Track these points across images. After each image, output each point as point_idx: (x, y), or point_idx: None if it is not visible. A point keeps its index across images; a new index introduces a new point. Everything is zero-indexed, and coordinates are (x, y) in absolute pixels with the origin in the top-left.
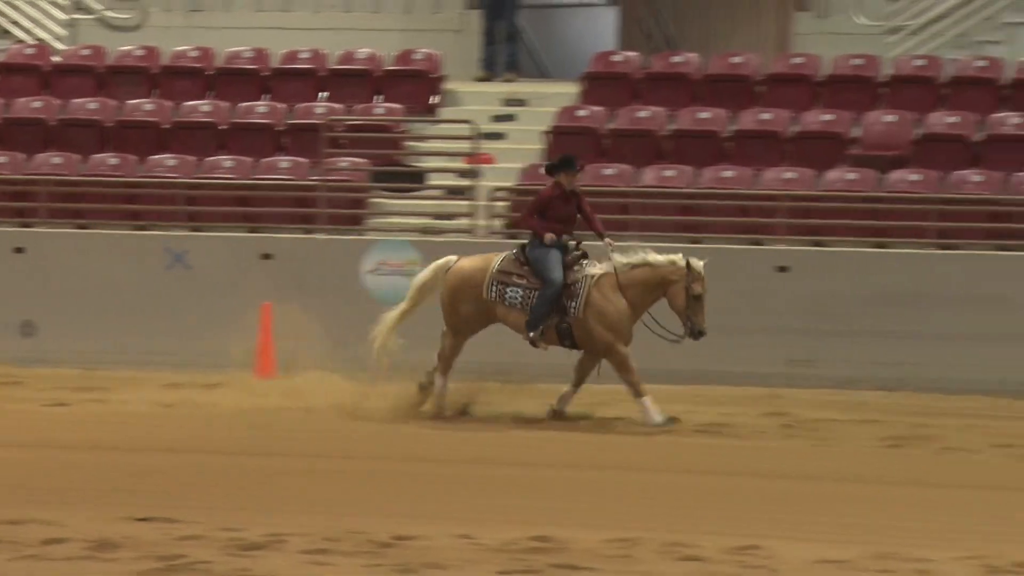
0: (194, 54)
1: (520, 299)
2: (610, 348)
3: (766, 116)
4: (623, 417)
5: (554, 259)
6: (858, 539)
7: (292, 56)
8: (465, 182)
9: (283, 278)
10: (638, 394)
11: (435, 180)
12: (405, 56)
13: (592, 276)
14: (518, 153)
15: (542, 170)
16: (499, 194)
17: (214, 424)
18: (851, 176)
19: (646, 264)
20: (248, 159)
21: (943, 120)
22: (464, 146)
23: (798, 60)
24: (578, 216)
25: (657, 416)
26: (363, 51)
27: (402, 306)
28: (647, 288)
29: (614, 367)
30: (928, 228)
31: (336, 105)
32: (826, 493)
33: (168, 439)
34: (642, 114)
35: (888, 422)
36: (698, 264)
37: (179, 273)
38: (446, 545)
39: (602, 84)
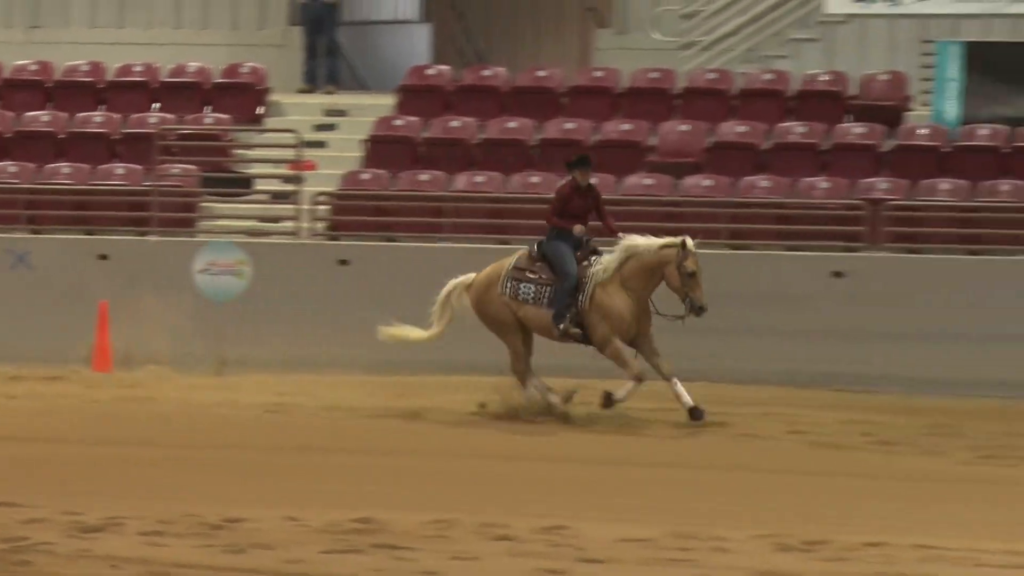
0: (34, 68)
1: (533, 294)
2: (605, 342)
3: (570, 125)
4: (434, 407)
5: (568, 253)
6: (659, 519)
7: (126, 69)
8: (289, 187)
9: (119, 277)
10: (635, 379)
11: (261, 185)
12: (232, 69)
13: (599, 272)
14: (339, 160)
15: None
16: (321, 198)
17: (55, 415)
18: (648, 181)
19: (641, 249)
20: (85, 166)
21: (733, 129)
22: (288, 154)
23: (599, 74)
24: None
25: (622, 395)
26: (193, 65)
27: (433, 331)
28: (645, 273)
29: (611, 359)
30: (720, 230)
31: (168, 115)
32: (629, 477)
33: (11, 429)
34: (454, 124)
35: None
36: (689, 242)
37: (22, 273)
38: (274, 527)
39: (417, 96)
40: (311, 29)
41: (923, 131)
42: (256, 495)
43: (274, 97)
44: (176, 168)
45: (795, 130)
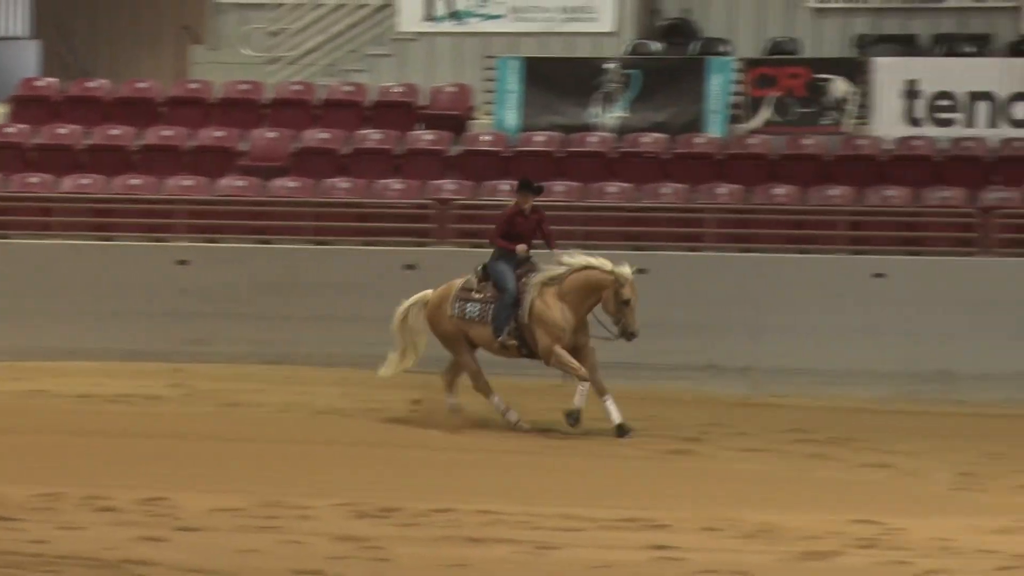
0: None
1: (478, 312)
2: (548, 352)
3: (168, 132)
4: (47, 390)
5: (507, 271)
6: (249, 490)
7: None
8: None
9: None
10: (582, 378)
11: None
12: None
13: (537, 285)
14: None
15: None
16: None
17: None
18: (240, 183)
19: (584, 269)
20: None
21: (316, 136)
22: None
23: (194, 85)
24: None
25: (580, 402)
26: None
27: (397, 353)
28: (583, 293)
29: (557, 367)
30: (304, 227)
31: None
32: (222, 451)
33: None
34: (62, 131)
35: (274, 391)
36: (626, 272)
37: None
38: None
39: (27, 106)
40: None
41: (486, 137)
42: None
43: None
44: None
45: (371, 137)
